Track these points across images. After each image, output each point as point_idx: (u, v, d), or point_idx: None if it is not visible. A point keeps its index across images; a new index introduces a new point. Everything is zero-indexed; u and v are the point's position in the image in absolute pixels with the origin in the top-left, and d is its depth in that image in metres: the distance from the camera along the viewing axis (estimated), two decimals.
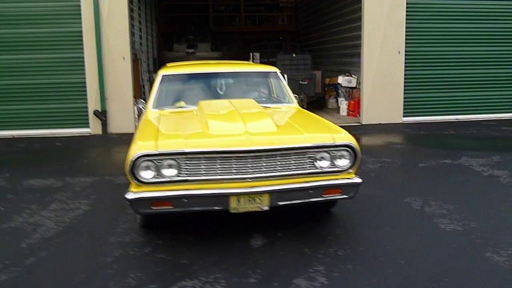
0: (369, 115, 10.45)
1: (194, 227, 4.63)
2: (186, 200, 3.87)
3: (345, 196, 4.17)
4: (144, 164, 3.82)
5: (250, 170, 3.90)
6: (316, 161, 4.05)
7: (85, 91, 9.52)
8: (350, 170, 4.16)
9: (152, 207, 3.88)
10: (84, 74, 9.40)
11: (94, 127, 9.60)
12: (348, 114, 11.65)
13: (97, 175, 6.61)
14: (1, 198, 5.67)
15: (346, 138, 4.19)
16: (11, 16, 9.16)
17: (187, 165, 3.86)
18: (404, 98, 10.48)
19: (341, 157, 4.11)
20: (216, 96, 5.70)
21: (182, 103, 5.46)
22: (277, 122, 4.43)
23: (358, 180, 4.19)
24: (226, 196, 3.87)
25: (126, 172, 3.86)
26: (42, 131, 9.47)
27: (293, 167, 4.01)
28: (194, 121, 4.69)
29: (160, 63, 15.65)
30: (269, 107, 5.31)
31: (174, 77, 5.79)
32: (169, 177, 3.85)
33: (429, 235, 4.31)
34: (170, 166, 3.85)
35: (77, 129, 9.62)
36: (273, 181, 3.96)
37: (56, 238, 4.42)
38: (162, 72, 5.81)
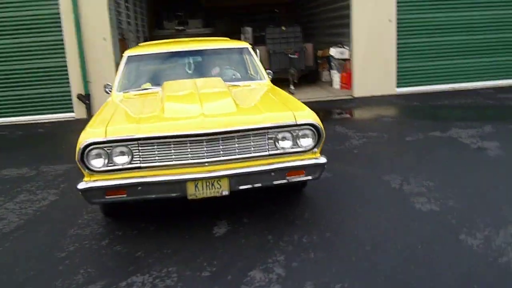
0: (361, 87, 10.09)
1: (160, 213, 4.43)
2: (140, 188, 3.68)
3: (309, 178, 3.94)
4: (94, 152, 3.64)
5: (206, 154, 3.70)
6: (277, 142, 3.82)
7: (67, 75, 9.26)
8: (315, 150, 3.92)
9: (106, 197, 3.71)
10: (64, 57, 9.11)
11: (78, 111, 9.37)
12: (341, 87, 11.27)
13: (72, 161, 6.33)
14: None
15: (308, 116, 3.91)
16: None
17: (140, 151, 3.67)
18: (398, 68, 10.08)
19: (304, 136, 3.87)
20: (184, 75, 5.42)
21: (148, 85, 5.23)
22: (240, 102, 4.18)
23: (323, 160, 3.95)
24: (183, 182, 3.69)
25: (76, 160, 3.65)
26: (26, 118, 9.27)
27: (253, 149, 3.79)
28: (154, 104, 4.45)
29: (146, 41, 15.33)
30: (238, 85, 5.08)
31: (140, 58, 5.53)
32: (121, 164, 3.67)
33: (403, 216, 4.05)
34: (122, 153, 3.66)
35: (62, 114, 9.39)
36: (232, 165, 3.76)
37: (15, 233, 4.24)
38: (128, 52, 5.55)
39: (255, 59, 5.57)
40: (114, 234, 4.06)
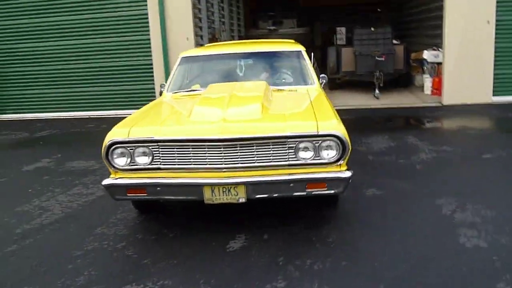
0: (452, 94, 9.10)
1: (188, 217, 4.38)
2: (159, 189, 3.70)
3: (332, 191, 3.62)
4: (118, 150, 3.72)
5: (224, 160, 3.58)
6: (298, 152, 3.55)
7: (152, 73, 9.61)
8: (340, 163, 3.58)
9: (127, 194, 3.80)
10: (151, 56, 9.47)
11: None
12: (432, 93, 10.30)
13: None
14: (38, 179, 5.87)
15: (332, 127, 3.58)
16: (80, 2, 9.47)
17: (160, 153, 3.68)
18: (495, 74, 8.91)
19: (327, 148, 3.56)
20: (234, 77, 5.30)
21: (197, 86, 5.19)
22: (273, 108, 4.02)
23: (347, 174, 3.59)
24: (200, 186, 3.63)
25: (102, 158, 3.75)
26: (112, 112, 9.80)
27: (272, 157, 3.58)
28: (189, 106, 4.32)
29: None
30: (283, 90, 4.85)
31: (193, 59, 5.54)
32: (142, 164, 3.72)
33: (440, 251, 3.45)
34: (143, 154, 3.71)
35: None
36: (250, 172, 3.60)
37: (51, 226, 4.40)
38: (182, 54, 5.54)
39: (307, 63, 5.24)
40: (133, 237, 4.03)
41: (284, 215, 4.24)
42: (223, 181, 3.58)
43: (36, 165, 6.54)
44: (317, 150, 3.56)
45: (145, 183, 3.70)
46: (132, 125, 3.84)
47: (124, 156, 3.72)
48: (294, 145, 3.55)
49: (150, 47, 9.39)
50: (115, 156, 3.72)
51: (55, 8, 9.63)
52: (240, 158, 3.58)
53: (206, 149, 3.59)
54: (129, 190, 3.76)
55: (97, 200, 5.01)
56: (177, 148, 3.64)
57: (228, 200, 3.64)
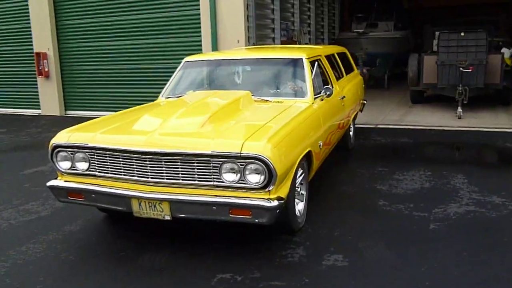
0: None
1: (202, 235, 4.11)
2: (94, 196, 3.79)
3: (257, 221, 3.35)
4: (61, 154, 3.86)
5: (150, 174, 3.55)
6: (222, 173, 3.37)
7: None
8: (269, 189, 3.31)
9: (69, 197, 3.92)
10: None
11: None
12: None
13: None
14: None
15: (257, 149, 3.29)
16: (135, 2, 9.92)
17: (95, 160, 3.76)
18: None
19: (253, 171, 3.31)
20: (232, 85, 5.22)
21: (190, 92, 5.12)
22: (223, 123, 3.82)
23: (272, 203, 3.29)
24: (128, 197, 3.63)
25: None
26: None
27: (197, 176, 3.44)
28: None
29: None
30: (268, 101, 4.65)
31: (196, 64, 5.49)
32: (81, 170, 3.83)
33: None
34: (83, 160, 3.81)
35: None
36: (175, 189, 3.51)
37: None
38: (187, 58, 5.57)
39: (305, 73, 4.88)
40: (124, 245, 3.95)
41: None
42: (148, 195, 3.53)
43: None
44: (242, 173, 3.33)
45: (82, 188, 3.80)
46: (78, 130, 3.97)
47: (67, 160, 3.84)
48: (218, 165, 3.36)
49: (201, 48, 9.47)
50: (59, 159, 3.86)
51: (114, 8, 10.22)
52: (166, 173, 3.50)
53: (134, 161, 3.57)
54: (70, 194, 3.86)
55: None
56: (109, 157, 3.67)
57: (154, 216, 3.58)
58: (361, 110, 7.75)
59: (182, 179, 3.47)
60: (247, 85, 5.12)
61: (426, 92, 10.35)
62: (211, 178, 3.39)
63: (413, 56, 9.94)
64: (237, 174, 3.33)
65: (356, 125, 7.91)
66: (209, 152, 3.35)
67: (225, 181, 3.36)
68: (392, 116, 8.81)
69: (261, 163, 3.24)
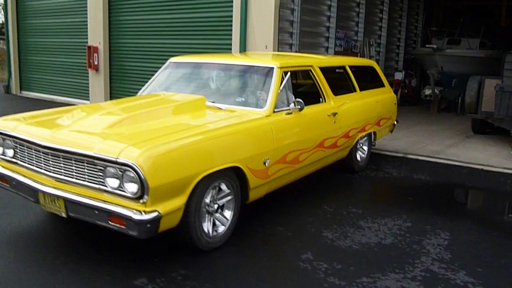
0: None
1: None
2: (14, 183, 3.88)
3: (130, 233, 3.19)
4: None
5: (52, 169, 3.60)
6: (106, 177, 3.29)
7: None
8: (143, 200, 3.15)
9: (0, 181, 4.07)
10: None
11: None
12: None
13: None
14: None
15: (131, 155, 3.13)
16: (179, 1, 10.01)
17: (18, 149, 3.90)
18: None
19: (130, 180, 3.18)
20: (204, 89, 5.09)
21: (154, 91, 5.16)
22: (137, 126, 3.74)
23: (141, 216, 3.12)
24: (35, 190, 3.67)
25: None
26: None
27: (87, 177, 3.41)
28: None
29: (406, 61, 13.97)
30: (220, 109, 4.44)
31: (178, 65, 5.40)
32: (9, 156, 3.98)
33: None
34: (10, 147, 3.96)
35: None
36: (70, 188, 3.50)
37: None
38: (173, 59, 5.52)
39: (272, 83, 4.53)
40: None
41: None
42: (48, 190, 3.56)
43: None
44: (121, 180, 3.21)
45: (5, 174, 3.92)
46: (11, 118, 4.14)
47: (1, 146, 4.04)
48: (103, 169, 3.28)
49: (230, 51, 9.28)
50: None
51: (158, 6, 10.41)
52: (63, 170, 3.52)
53: (41, 154, 3.63)
54: (0, 179, 4.01)
55: None
56: (26, 148, 3.78)
57: (55, 211, 3.60)
58: (391, 131, 7.13)
59: (76, 178, 3.46)
60: (218, 90, 5.04)
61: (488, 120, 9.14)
62: (97, 181, 3.34)
63: (473, 79, 8.86)
64: (118, 180, 3.22)
65: (383, 151, 7.26)
66: (91, 153, 3.29)
67: (108, 186, 3.28)
68: (434, 146, 7.90)
69: (133, 172, 3.10)
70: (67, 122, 3.84)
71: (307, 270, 3.38)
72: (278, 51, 8.63)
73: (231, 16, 8.92)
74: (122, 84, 11.37)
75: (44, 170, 3.62)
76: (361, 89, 6.13)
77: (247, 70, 4.89)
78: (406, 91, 13.09)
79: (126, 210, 3.16)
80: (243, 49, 8.76)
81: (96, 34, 11.42)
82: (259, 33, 8.62)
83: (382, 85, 6.88)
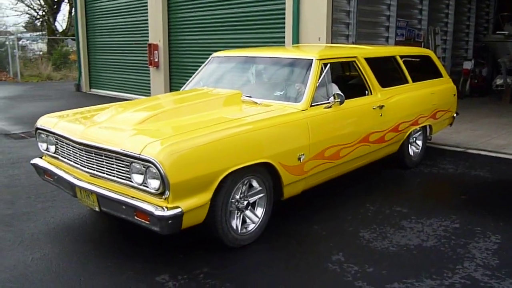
0: None
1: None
2: (56, 178, 4.01)
3: (154, 228, 3.20)
4: (41, 135, 4.23)
5: (86, 164, 3.69)
6: (132, 173, 3.32)
7: None
8: (165, 196, 3.16)
9: (45, 176, 4.22)
10: None
11: None
12: None
13: None
14: None
15: (152, 152, 3.13)
16: None
17: (59, 145, 4.04)
18: None
19: (153, 175, 3.18)
20: (244, 83, 5.06)
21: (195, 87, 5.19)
22: (165, 122, 3.74)
23: (162, 212, 3.11)
24: (72, 184, 3.78)
25: None
26: None
27: (116, 172, 3.46)
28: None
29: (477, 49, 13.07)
30: (256, 103, 4.33)
31: (220, 60, 5.37)
32: (52, 152, 4.15)
33: None
34: (52, 143, 4.12)
35: None
36: (102, 183, 3.58)
37: None
38: (214, 54, 5.50)
39: (310, 76, 4.37)
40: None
41: None
42: (82, 185, 3.64)
43: None
44: (145, 176, 3.22)
45: (49, 169, 4.07)
46: (54, 115, 4.27)
47: (44, 142, 4.20)
48: (129, 164, 3.30)
49: (284, 45, 9.09)
50: (39, 140, 4.25)
51: (212, 2, 10.45)
52: (96, 165, 3.59)
53: (77, 150, 3.73)
54: (46, 173, 4.17)
55: None
56: (65, 144, 3.90)
57: (90, 206, 3.69)
58: (450, 124, 6.70)
59: (107, 174, 3.51)
60: (257, 84, 4.96)
61: None
62: (125, 177, 3.38)
63: None
64: (142, 176, 3.24)
65: (442, 146, 6.82)
66: (118, 149, 3.33)
67: (134, 181, 3.31)
68: (500, 140, 7.30)
69: (155, 168, 3.09)
70: (102, 118, 3.92)
71: (335, 272, 3.20)
72: (332, 42, 8.35)
73: (284, 9, 8.75)
74: (181, 80, 11.53)
75: (80, 165, 3.71)
76: (414, 80, 5.79)
77: (285, 63, 4.76)
78: (476, 81, 12.26)
79: (149, 206, 3.16)
80: (295, 42, 8.57)
81: (156, 32, 11.67)
82: (312, 25, 8.38)
83: (440, 76, 6.46)
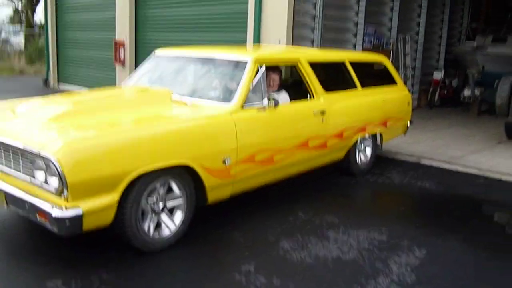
0: None
1: None
2: None
3: (53, 229, 3.02)
4: None
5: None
6: (34, 170, 3.15)
7: None
8: (64, 196, 2.98)
9: None
10: None
11: None
12: None
13: None
14: None
15: (51, 150, 2.98)
16: None
17: None
18: None
19: (52, 173, 3.01)
20: (178, 82, 4.79)
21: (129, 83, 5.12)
22: (80, 119, 3.51)
23: (60, 212, 2.94)
24: None
25: None
26: None
27: (22, 170, 3.27)
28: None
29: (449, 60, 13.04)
30: (185, 103, 4.16)
31: (161, 57, 5.17)
32: None
33: None
34: None
35: None
36: (11, 180, 3.37)
37: None
38: (157, 51, 5.32)
39: (244, 77, 4.20)
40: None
41: None
42: None
43: None
44: (46, 174, 3.05)
45: None
46: None
47: None
48: (33, 161, 3.12)
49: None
50: None
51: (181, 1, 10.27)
52: (5, 162, 3.40)
53: None
54: None
55: None
56: None
57: (1, 203, 3.46)
58: (404, 133, 6.57)
59: (14, 171, 3.32)
60: (193, 83, 4.71)
61: None
62: (30, 174, 3.19)
63: (505, 79, 8.05)
64: (44, 174, 3.07)
65: (395, 156, 6.68)
66: (21, 146, 3.17)
67: (37, 179, 3.13)
68: (457, 151, 7.18)
69: (53, 166, 2.93)
70: (21, 112, 3.73)
71: (240, 283, 3.02)
72: (293, 45, 8.20)
73: (247, 10, 8.59)
74: None
75: None
76: (364, 86, 5.65)
77: (222, 63, 4.55)
78: (445, 91, 12.22)
79: (47, 205, 2.99)
80: (257, 43, 8.42)
81: (123, 29, 11.42)
82: (273, 27, 8.22)
83: (394, 83, 6.34)
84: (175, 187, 3.56)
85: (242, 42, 8.82)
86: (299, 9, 8.40)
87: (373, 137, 5.85)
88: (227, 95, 4.16)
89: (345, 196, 5.02)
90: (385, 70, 6.29)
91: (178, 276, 3.14)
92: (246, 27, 8.66)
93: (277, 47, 6.72)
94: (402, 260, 3.42)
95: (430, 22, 12.32)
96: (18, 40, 25.21)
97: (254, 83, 4.19)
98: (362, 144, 5.74)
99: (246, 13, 8.61)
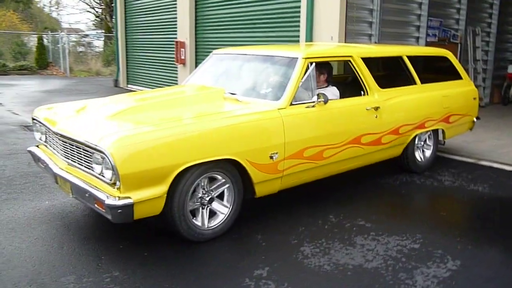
0: None
1: None
2: (44, 165, 4.09)
3: (108, 216, 3.24)
4: (37, 125, 4.41)
5: (65, 153, 3.79)
6: (93, 163, 3.40)
7: None
8: (117, 186, 3.20)
9: (39, 164, 4.29)
10: None
11: None
12: None
13: None
14: None
15: (105, 144, 3.20)
16: None
17: (47, 134, 4.22)
18: None
19: (107, 166, 3.24)
20: (233, 79, 4.90)
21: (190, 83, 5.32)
22: (135, 116, 3.78)
23: (111, 201, 3.16)
24: (53, 173, 3.82)
25: None
26: None
27: (84, 162, 3.54)
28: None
29: None
30: (237, 100, 4.28)
31: (218, 57, 5.33)
32: (43, 141, 4.34)
33: None
34: (43, 132, 4.31)
35: None
36: (76, 172, 3.63)
37: None
38: (214, 51, 5.48)
39: (294, 74, 4.20)
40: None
41: None
42: (59, 172, 3.71)
43: None
44: (102, 166, 3.29)
45: (38, 156, 4.19)
46: (45, 107, 4.49)
47: (37, 131, 4.40)
48: (91, 154, 3.38)
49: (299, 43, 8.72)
50: (34, 129, 4.46)
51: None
52: (70, 155, 3.70)
53: (57, 140, 3.86)
54: (40, 161, 4.22)
55: None
56: (51, 133, 4.00)
57: (66, 193, 3.73)
58: (470, 129, 6.21)
59: (78, 163, 3.60)
60: (246, 81, 4.75)
61: None
62: (90, 167, 3.45)
63: None
64: (101, 166, 3.29)
65: (452, 155, 6.27)
66: (81, 140, 3.42)
67: (94, 171, 3.38)
68: None
69: (107, 159, 3.16)
70: (83, 111, 4.08)
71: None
72: (346, 41, 7.92)
73: (299, 7, 8.40)
74: None
75: (60, 154, 3.84)
76: (424, 81, 5.42)
77: (272, 61, 4.63)
78: None
79: (102, 194, 3.22)
80: (309, 40, 8.21)
81: (183, 30, 11.64)
82: (325, 23, 7.97)
83: (459, 77, 5.97)
84: (219, 177, 3.67)
85: (295, 39, 8.68)
86: (354, 4, 8.11)
87: (434, 133, 5.57)
88: (276, 92, 4.19)
89: (385, 198, 4.74)
90: (449, 64, 5.94)
91: (190, 277, 3.10)
92: (299, 24, 8.49)
93: (328, 44, 6.51)
94: (430, 272, 3.14)
95: (504, 12, 11.44)
96: (98, 44, 26.68)
97: (303, 80, 4.19)
98: (422, 141, 5.49)
99: (299, 10, 8.45)
